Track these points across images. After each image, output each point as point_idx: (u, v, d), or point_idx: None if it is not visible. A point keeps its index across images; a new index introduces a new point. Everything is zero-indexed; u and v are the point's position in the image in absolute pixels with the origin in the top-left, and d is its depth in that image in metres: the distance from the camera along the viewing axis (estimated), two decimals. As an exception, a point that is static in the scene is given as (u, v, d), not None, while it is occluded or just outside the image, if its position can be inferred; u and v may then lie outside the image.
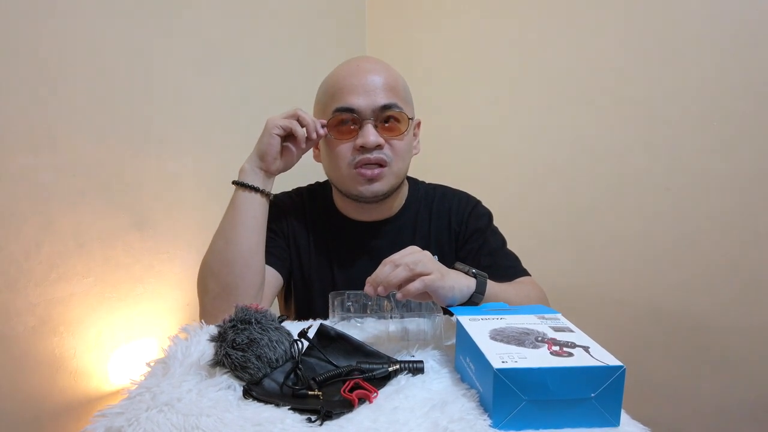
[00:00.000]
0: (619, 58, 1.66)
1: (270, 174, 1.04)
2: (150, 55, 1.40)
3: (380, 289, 0.80)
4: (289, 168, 1.07)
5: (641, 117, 1.64)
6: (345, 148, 1.05)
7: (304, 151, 1.06)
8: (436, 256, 1.12)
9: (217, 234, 1.02)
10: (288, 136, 1.03)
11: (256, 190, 1.01)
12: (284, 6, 1.82)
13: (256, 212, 1.01)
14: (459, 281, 0.84)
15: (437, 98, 2.02)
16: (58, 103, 1.21)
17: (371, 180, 1.05)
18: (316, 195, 1.20)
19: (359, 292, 0.92)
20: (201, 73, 1.55)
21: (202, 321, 0.87)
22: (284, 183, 1.26)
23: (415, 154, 1.15)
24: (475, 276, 0.87)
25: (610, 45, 1.68)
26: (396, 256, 0.83)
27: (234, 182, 1.03)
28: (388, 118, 1.05)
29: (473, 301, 0.85)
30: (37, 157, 1.19)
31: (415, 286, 0.79)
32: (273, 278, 1.08)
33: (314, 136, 1.02)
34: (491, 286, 0.89)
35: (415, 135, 1.14)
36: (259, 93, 1.75)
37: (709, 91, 1.52)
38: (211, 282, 0.98)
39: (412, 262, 0.81)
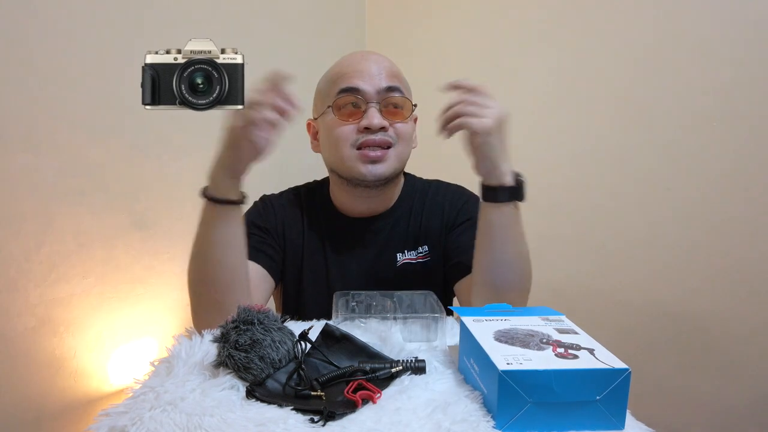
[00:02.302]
0: (620, 58, 1.66)
1: (242, 176, 0.90)
2: (151, 55, 1.40)
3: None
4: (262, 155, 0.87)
5: (642, 117, 1.64)
6: (348, 130, 1.05)
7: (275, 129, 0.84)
8: (426, 247, 1.12)
9: (196, 253, 0.91)
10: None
11: (233, 203, 0.89)
12: (284, 6, 1.82)
13: (236, 227, 0.90)
14: (508, 160, 0.89)
15: (437, 97, 2.01)
16: (58, 103, 1.21)
17: (374, 161, 1.04)
18: (314, 192, 1.20)
19: (362, 292, 0.92)
20: (202, 73, 1.54)
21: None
22: (281, 183, 1.26)
23: (414, 147, 1.15)
24: (519, 182, 0.90)
25: (611, 45, 1.68)
26: (488, 97, 0.88)
27: (209, 198, 0.88)
28: (393, 103, 1.06)
29: (498, 196, 0.89)
30: (37, 157, 1.18)
31: (471, 122, 0.85)
32: (265, 279, 1.07)
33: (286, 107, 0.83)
34: (518, 214, 0.91)
35: (413, 127, 1.15)
36: (260, 93, 1.75)
37: (710, 91, 1.53)
38: (194, 300, 0.93)
39: (489, 105, 0.87)
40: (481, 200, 0.92)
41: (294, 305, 1.15)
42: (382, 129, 1.04)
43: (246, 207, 0.92)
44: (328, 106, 1.07)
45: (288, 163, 1.85)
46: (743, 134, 1.49)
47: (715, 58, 1.51)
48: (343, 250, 1.14)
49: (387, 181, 1.08)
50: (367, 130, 1.03)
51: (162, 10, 1.42)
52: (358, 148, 1.04)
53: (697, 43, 1.53)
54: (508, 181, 0.89)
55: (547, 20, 1.80)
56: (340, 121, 1.05)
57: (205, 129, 1.59)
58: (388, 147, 1.05)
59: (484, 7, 1.93)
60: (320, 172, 1.19)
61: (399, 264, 1.13)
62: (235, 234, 0.90)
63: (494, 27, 1.92)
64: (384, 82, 1.04)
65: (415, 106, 1.10)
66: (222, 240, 0.89)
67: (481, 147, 0.87)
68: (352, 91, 1.04)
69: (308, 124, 1.17)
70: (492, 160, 0.88)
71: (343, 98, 1.04)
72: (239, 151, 0.85)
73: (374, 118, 1.03)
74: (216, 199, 0.87)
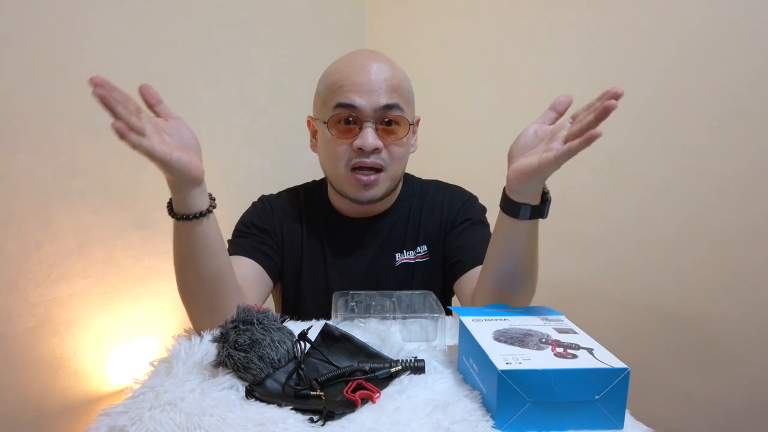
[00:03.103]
0: (620, 58, 1.66)
1: (192, 186, 0.83)
2: (150, 55, 1.40)
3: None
4: (190, 150, 0.84)
5: (642, 117, 1.64)
6: (342, 149, 1.04)
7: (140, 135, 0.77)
8: (425, 247, 1.12)
9: (177, 270, 0.90)
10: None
11: (201, 214, 0.84)
12: (284, 5, 1.82)
13: (211, 235, 0.86)
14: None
15: (437, 97, 2.02)
16: (58, 103, 1.21)
17: (367, 186, 1.04)
18: (313, 193, 1.20)
19: (362, 292, 0.93)
20: (201, 73, 1.55)
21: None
22: (281, 183, 1.26)
23: (413, 151, 1.15)
24: (545, 201, 0.86)
25: (611, 45, 1.68)
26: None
27: (177, 216, 0.84)
28: (389, 121, 1.04)
29: (519, 213, 0.84)
30: (37, 157, 1.18)
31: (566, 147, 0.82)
32: (263, 278, 1.07)
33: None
34: (536, 229, 0.89)
35: (413, 132, 1.14)
36: (259, 92, 1.75)
37: (710, 91, 1.53)
38: (187, 308, 0.93)
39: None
40: (500, 211, 0.88)
41: (293, 305, 1.15)
42: (376, 150, 1.03)
43: (218, 211, 0.88)
44: (324, 122, 1.05)
45: (288, 163, 1.85)
46: (743, 134, 1.49)
47: (716, 58, 1.51)
48: (342, 250, 1.14)
49: (381, 199, 1.09)
50: (361, 150, 1.02)
51: (162, 10, 1.42)
52: (352, 169, 1.04)
53: (697, 43, 1.53)
54: (535, 201, 0.86)
55: (547, 20, 1.79)
56: (336, 138, 1.04)
57: (205, 129, 1.59)
58: (381, 170, 1.04)
59: (484, 7, 1.93)
60: (320, 172, 1.19)
61: (398, 264, 1.13)
62: (211, 243, 0.87)
63: (494, 26, 1.92)
64: (383, 99, 1.02)
65: (412, 124, 1.09)
66: (199, 253, 0.86)
67: (550, 168, 0.83)
68: (349, 107, 1.02)
69: (308, 121, 1.16)
70: (539, 185, 0.85)
71: (338, 114, 1.03)
72: (156, 163, 0.77)
73: (368, 138, 1.01)
74: (182, 216, 0.84)
